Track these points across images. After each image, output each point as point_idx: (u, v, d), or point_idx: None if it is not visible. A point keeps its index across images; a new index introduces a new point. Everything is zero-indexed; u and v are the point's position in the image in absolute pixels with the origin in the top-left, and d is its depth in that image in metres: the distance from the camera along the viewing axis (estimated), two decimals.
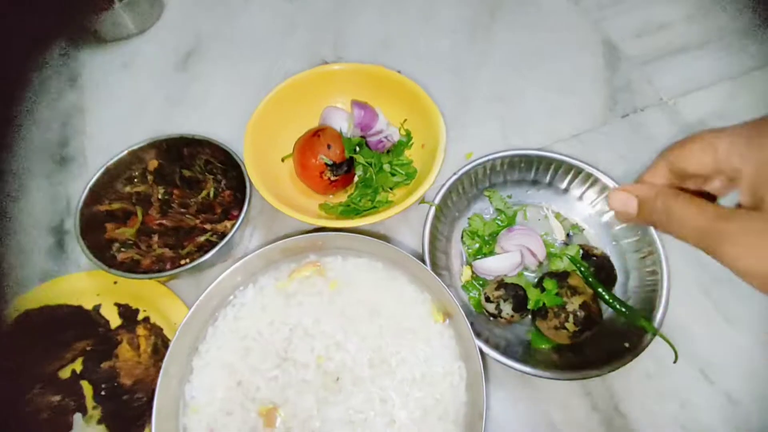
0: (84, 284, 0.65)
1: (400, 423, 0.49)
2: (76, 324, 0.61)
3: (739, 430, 0.56)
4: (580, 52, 0.86)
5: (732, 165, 0.32)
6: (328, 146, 0.65)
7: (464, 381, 0.51)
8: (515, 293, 0.58)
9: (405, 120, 0.72)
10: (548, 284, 0.58)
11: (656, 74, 0.83)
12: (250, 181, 0.64)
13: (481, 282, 0.63)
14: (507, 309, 0.58)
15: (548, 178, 0.69)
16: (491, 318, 0.59)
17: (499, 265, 0.62)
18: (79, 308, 0.63)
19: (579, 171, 0.67)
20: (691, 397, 0.58)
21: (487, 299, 0.59)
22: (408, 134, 0.72)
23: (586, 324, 0.55)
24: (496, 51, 0.87)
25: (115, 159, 0.67)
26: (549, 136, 0.77)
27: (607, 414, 0.57)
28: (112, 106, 0.85)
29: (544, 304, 0.57)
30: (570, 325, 0.55)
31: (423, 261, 0.58)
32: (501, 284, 0.59)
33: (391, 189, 0.68)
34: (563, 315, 0.55)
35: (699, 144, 0.34)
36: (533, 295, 0.58)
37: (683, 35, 0.87)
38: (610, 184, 0.66)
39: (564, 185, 0.69)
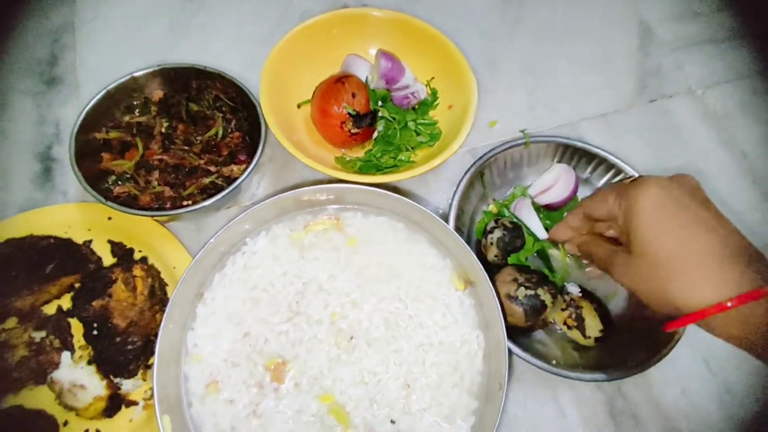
0: (74, 216, 0.60)
1: (414, 387, 0.47)
2: (64, 257, 0.56)
3: (733, 419, 0.58)
4: (614, 31, 0.83)
5: (615, 214, 0.45)
6: (353, 95, 0.61)
7: (482, 351, 0.49)
8: (512, 232, 0.58)
9: (432, 78, 0.68)
10: (555, 252, 0.58)
11: (687, 62, 0.80)
12: (265, 123, 0.60)
13: None
14: (494, 247, 0.57)
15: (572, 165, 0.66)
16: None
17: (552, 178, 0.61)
18: (69, 241, 0.58)
19: (602, 160, 0.63)
20: (692, 385, 0.58)
21: (487, 231, 0.59)
22: (434, 93, 0.68)
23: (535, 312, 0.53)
24: (531, 20, 0.82)
25: (117, 83, 0.61)
26: (576, 113, 0.74)
27: (610, 395, 0.57)
28: (109, 27, 0.77)
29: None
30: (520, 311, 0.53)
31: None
32: (509, 223, 0.58)
33: (412, 148, 0.64)
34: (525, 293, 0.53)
35: (599, 197, 0.47)
36: (529, 243, 0.59)
37: (716, 26, 0.84)
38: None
39: (585, 175, 0.65)
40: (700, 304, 0.38)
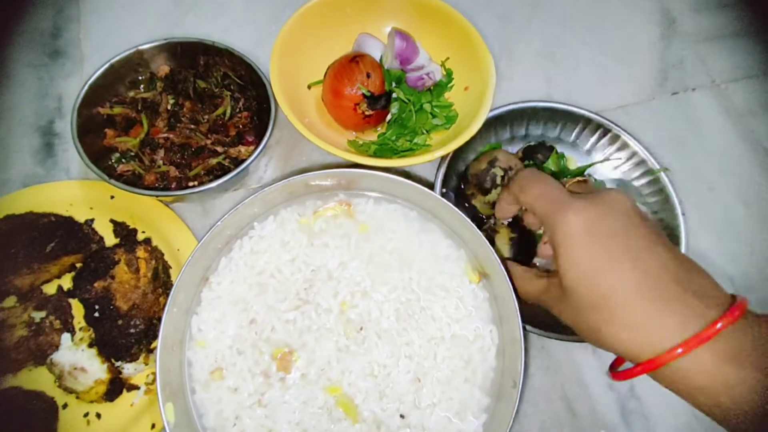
0: (75, 194, 0.58)
1: (424, 381, 0.46)
2: (65, 236, 0.54)
3: None
4: (637, 19, 0.80)
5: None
6: (368, 75, 0.58)
7: (495, 346, 0.48)
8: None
9: (447, 58, 0.65)
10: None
11: (711, 55, 0.78)
12: (276, 103, 0.57)
13: None
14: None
15: (572, 137, 0.65)
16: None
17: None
18: (70, 219, 0.56)
19: (606, 131, 0.63)
20: None
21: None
22: (449, 74, 0.65)
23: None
24: (550, 4, 0.79)
25: (121, 56, 0.59)
26: (595, 103, 0.71)
27: (622, 395, 0.56)
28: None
29: None
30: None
31: None
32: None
33: (427, 132, 0.62)
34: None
35: (530, 195, 0.43)
36: None
37: (741, 19, 0.81)
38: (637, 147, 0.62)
39: (587, 146, 0.64)
40: (644, 351, 0.34)
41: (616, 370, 0.39)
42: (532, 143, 0.62)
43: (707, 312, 0.33)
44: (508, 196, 0.47)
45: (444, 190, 0.57)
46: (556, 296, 0.40)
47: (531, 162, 0.59)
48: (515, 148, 0.64)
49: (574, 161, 0.63)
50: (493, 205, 0.55)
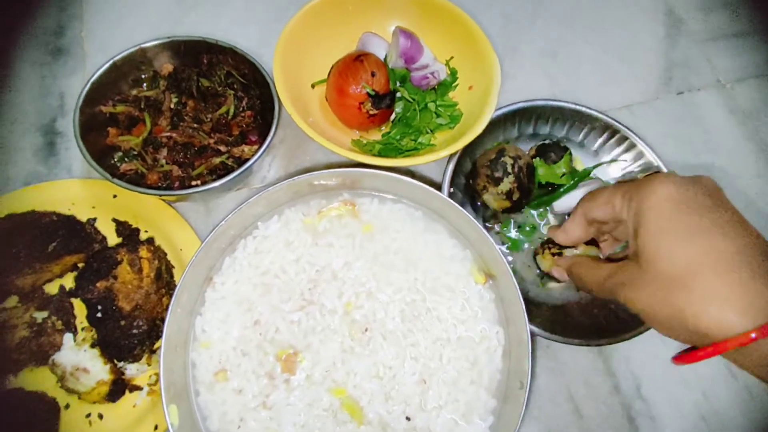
0: (78, 193, 0.58)
1: (430, 383, 0.45)
2: (67, 235, 0.54)
3: (754, 423, 0.56)
4: (641, 18, 0.79)
5: (623, 217, 0.40)
6: (373, 74, 0.58)
7: (501, 347, 0.47)
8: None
9: (451, 57, 0.65)
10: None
11: (716, 54, 0.77)
12: (280, 102, 0.57)
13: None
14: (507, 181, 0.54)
15: (580, 137, 0.65)
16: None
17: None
18: (72, 218, 0.56)
19: (615, 132, 0.62)
20: (715, 388, 0.57)
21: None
22: (454, 73, 0.65)
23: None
24: (553, 3, 0.79)
25: (124, 54, 0.58)
26: (599, 103, 0.70)
27: (629, 396, 0.56)
28: None
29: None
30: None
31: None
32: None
33: (431, 131, 0.61)
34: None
35: (602, 198, 0.42)
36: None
37: (746, 18, 0.81)
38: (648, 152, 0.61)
39: (595, 147, 0.64)
40: (733, 326, 0.32)
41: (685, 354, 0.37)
42: (547, 141, 0.62)
43: None
44: (576, 218, 0.46)
45: (452, 190, 0.57)
46: (626, 279, 0.38)
47: (542, 160, 0.59)
48: (523, 146, 0.63)
49: (580, 161, 0.63)
50: (506, 195, 0.55)
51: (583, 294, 0.56)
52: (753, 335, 0.31)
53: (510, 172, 0.54)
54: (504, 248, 0.59)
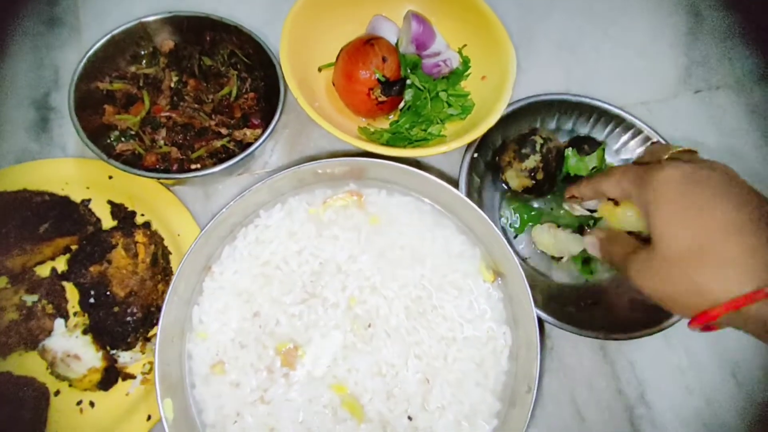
0: (71, 172, 0.55)
1: (433, 383, 0.44)
2: (60, 216, 0.51)
3: (754, 429, 0.55)
4: (662, 13, 0.77)
5: (632, 201, 0.42)
6: (383, 59, 0.55)
7: (508, 349, 0.46)
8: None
9: (464, 45, 0.62)
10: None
11: (737, 53, 0.75)
12: (285, 85, 0.54)
13: None
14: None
15: (604, 135, 0.63)
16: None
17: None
18: (65, 199, 0.53)
19: (638, 132, 0.61)
20: (718, 396, 0.56)
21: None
22: (466, 62, 0.62)
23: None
24: None
25: (123, 28, 0.55)
26: (616, 98, 0.68)
27: (632, 401, 0.55)
28: None
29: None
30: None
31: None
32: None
33: (442, 121, 0.59)
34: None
35: (613, 179, 0.43)
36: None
37: None
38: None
39: (617, 145, 0.63)
40: (736, 290, 0.33)
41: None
42: (582, 135, 0.61)
43: None
44: (588, 187, 0.47)
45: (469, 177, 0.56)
46: (639, 258, 0.39)
47: (575, 149, 0.57)
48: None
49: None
50: (530, 173, 0.54)
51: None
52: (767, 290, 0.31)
53: (537, 151, 0.54)
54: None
